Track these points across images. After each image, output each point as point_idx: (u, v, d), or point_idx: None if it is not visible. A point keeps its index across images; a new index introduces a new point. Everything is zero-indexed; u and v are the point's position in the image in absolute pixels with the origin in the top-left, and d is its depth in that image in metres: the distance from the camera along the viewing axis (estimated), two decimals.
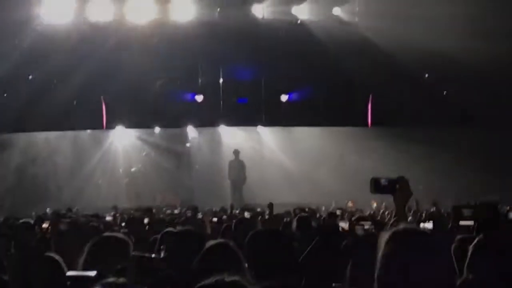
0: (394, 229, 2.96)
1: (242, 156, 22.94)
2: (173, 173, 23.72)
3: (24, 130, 21.43)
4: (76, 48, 19.24)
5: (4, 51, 18.46)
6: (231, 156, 22.99)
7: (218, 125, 23.20)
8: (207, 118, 21.99)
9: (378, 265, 2.88)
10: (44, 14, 19.15)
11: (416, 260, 2.81)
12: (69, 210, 15.13)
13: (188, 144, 24.81)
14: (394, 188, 4.18)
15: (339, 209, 13.42)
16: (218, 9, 20.07)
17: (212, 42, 19.85)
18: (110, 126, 21.67)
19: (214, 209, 16.24)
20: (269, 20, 20.43)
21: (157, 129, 23.86)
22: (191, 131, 24.36)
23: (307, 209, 12.02)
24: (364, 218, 9.50)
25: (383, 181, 4.21)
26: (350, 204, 19.55)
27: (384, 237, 2.92)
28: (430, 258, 2.82)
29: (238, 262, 3.99)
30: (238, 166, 22.83)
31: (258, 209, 14.64)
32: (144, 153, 23.73)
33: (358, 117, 21.61)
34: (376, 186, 4.22)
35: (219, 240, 4.56)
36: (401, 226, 2.99)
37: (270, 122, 22.66)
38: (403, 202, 4.20)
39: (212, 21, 19.97)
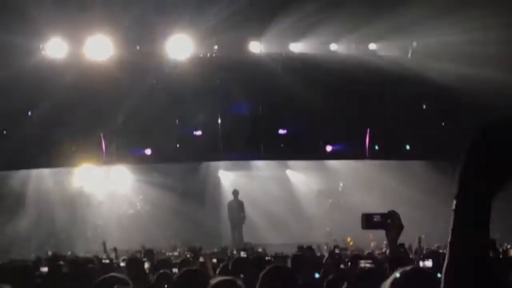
0: (393, 275, 2.99)
1: (240, 196, 23.08)
2: (173, 213, 23.69)
3: (24, 167, 21.41)
4: (74, 84, 19.32)
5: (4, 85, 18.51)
6: (230, 197, 23.13)
7: (216, 159, 23.13)
8: (206, 152, 21.95)
9: None
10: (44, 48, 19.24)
11: None
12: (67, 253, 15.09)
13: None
14: (386, 223, 4.22)
15: (336, 247, 13.39)
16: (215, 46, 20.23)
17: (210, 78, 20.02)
18: (109, 162, 21.64)
19: (214, 250, 16.23)
20: (266, 54, 20.56)
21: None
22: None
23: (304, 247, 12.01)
24: (362, 257, 9.52)
25: (374, 217, 4.25)
26: (349, 241, 19.56)
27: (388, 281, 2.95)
28: None
29: None
30: (237, 206, 22.90)
31: (259, 250, 14.64)
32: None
33: (356, 149, 21.55)
34: (368, 222, 4.25)
35: (226, 277, 4.57)
36: (400, 270, 3.00)
37: (268, 155, 22.63)
38: (395, 237, 4.23)
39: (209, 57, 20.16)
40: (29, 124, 19.74)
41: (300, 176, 25.23)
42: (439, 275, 2.06)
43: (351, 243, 19.20)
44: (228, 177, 24.70)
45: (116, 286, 4.50)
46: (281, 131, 21.99)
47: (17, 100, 18.83)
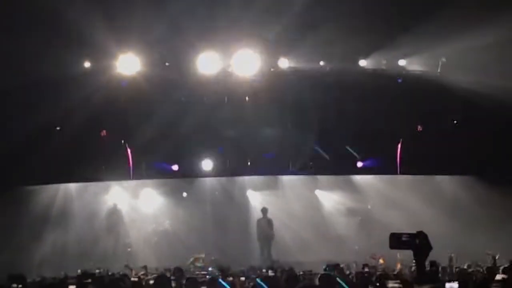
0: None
1: (269, 214, 23.05)
2: (202, 231, 23.69)
3: (53, 182, 21.57)
4: (104, 99, 19.47)
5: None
6: (259, 215, 23.10)
7: (245, 174, 23.05)
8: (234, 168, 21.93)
9: None
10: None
11: None
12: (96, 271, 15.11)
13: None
14: (414, 242, 4.16)
15: (366, 265, 13.25)
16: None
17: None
18: (137, 177, 21.65)
19: (243, 269, 16.15)
20: (294, 70, 20.49)
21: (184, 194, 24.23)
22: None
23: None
24: (390, 277, 9.41)
25: (403, 237, 4.19)
26: (381, 261, 19.35)
27: None
28: None
29: None
30: (266, 223, 22.87)
31: (287, 268, 14.54)
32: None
33: (387, 165, 21.37)
34: (396, 241, 4.20)
35: None
36: None
37: (298, 171, 22.41)
38: (423, 257, 4.17)
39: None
40: (58, 139, 19.82)
41: (329, 195, 25.10)
42: None
43: (382, 262, 18.99)
44: (257, 197, 24.60)
45: None
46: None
47: (46, 115, 18.98)
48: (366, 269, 12.32)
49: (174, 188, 24.15)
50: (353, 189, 24.21)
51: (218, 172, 22.48)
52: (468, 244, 19.49)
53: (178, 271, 12.84)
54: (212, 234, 23.64)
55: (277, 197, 24.44)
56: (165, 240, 23.11)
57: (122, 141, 20.39)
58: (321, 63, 20.32)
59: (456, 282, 7.35)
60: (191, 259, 20.44)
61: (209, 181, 24.29)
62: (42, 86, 18.67)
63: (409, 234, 4.20)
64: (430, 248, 4.19)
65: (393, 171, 21.44)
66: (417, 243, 4.16)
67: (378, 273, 11.60)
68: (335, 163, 21.44)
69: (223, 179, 24.03)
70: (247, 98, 20.61)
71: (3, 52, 16.58)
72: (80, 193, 23.02)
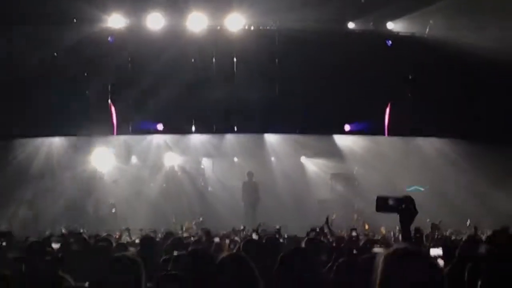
0: (389, 249, 3.04)
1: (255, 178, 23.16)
2: (188, 195, 23.78)
3: (37, 135, 21.38)
4: (91, 59, 19.28)
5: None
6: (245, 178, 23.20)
7: (230, 132, 22.64)
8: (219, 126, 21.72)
9: (375, 282, 2.95)
10: None
11: (408, 280, 2.88)
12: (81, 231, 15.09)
13: (202, 166, 25.16)
14: (400, 207, 4.15)
15: (354, 229, 13.29)
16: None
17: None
18: (120, 133, 21.47)
19: (227, 231, 16.19)
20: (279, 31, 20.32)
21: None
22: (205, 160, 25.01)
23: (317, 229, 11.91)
24: (375, 242, 9.45)
25: (389, 201, 4.19)
26: (366, 227, 19.48)
27: (381, 256, 2.98)
28: (421, 278, 2.88)
29: (251, 272, 4.00)
30: (251, 187, 22.99)
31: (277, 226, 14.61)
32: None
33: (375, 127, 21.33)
34: (382, 205, 4.20)
35: (233, 252, 4.54)
36: (395, 246, 3.09)
37: (288, 128, 22.34)
38: (408, 222, 4.17)
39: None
40: (42, 91, 19.50)
41: (315, 161, 25.25)
42: None
43: (367, 228, 19.12)
44: (242, 162, 24.65)
45: None
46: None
47: (34, 68, 18.77)
48: (354, 233, 12.36)
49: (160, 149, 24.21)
50: (339, 154, 24.33)
51: (203, 131, 22.42)
52: (451, 211, 19.68)
53: (169, 235, 12.79)
54: (198, 198, 23.76)
55: (264, 163, 24.55)
56: (148, 203, 23.08)
57: (108, 100, 20.15)
58: (310, 24, 20.18)
59: (440, 248, 7.36)
60: (181, 227, 20.48)
61: (194, 144, 24.33)
62: (28, 35, 18.46)
63: (395, 198, 4.18)
64: (415, 213, 4.18)
65: (380, 133, 21.42)
66: (403, 207, 4.14)
67: (362, 238, 11.65)
68: (322, 125, 21.34)
69: (209, 139, 24.03)
70: (235, 60, 20.44)
71: None
72: (64, 150, 22.84)
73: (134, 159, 24.48)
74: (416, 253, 3.02)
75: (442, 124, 20.51)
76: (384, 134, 21.35)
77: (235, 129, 21.30)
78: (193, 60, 20.17)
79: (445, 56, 19.49)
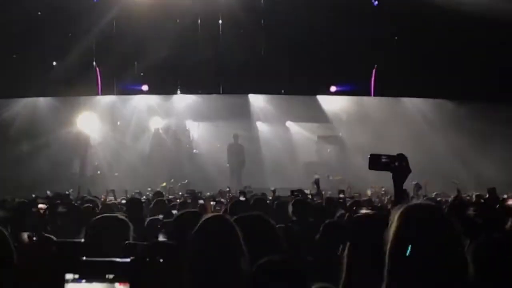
0: (405, 205, 3.01)
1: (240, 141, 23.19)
2: (173, 157, 23.76)
3: (23, 96, 21.13)
4: (76, 19, 18.97)
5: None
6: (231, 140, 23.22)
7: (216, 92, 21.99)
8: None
9: (390, 239, 2.93)
10: None
11: (426, 233, 2.88)
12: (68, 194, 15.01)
13: (187, 128, 25.14)
14: (394, 164, 4.12)
15: (342, 191, 13.31)
16: None
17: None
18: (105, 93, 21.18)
19: (212, 193, 16.20)
20: None
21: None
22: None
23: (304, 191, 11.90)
24: (361, 204, 9.46)
25: (382, 158, 4.16)
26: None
27: (396, 213, 2.96)
28: (440, 231, 2.89)
29: (235, 234, 3.94)
30: (237, 150, 23.00)
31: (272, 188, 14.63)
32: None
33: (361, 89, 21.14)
34: (375, 163, 4.16)
35: (216, 213, 4.50)
36: (410, 203, 3.06)
37: (273, 89, 22.05)
38: (402, 180, 4.14)
39: None
40: (27, 52, 19.17)
41: (301, 125, 25.30)
42: None
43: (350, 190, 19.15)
44: (229, 126, 24.62)
45: None
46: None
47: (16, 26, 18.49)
48: (341, 195, 12.37)
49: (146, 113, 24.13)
50: (324, 117, 24.33)
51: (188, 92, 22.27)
52: (436, 172, 19.78)
53: (158, 194, 12.78)
54: (183, 160, 23.75)
55: (249, 125, 24.57)
56: (132, 165, 22.97)
57: (93, 62, 19.87)
58: None
59: None
60: (162, 185, 20.42)
61: (179, 107, 24.23)
62: None
63: (388, 156, 4.14)
64: (409, 171, 4.14)
65: (366, 94, 21.36)
66: (396, 165, 4.10)
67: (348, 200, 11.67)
68: (308, 86, 21.20)
69: (194, 102, 23.91)
70: (220, 21, 20.17)
71: None
72: (48, 111, 22.64)
73: (118, 122, 24.35)
74: (433, 208, 3.03)
75: (429, 84, 20.40)
76: (370, 95, 21.27)
77: (221, 90, 21.02)
78: (177, 21, 19.86)
79: (431, 15, 19.31)
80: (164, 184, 19.68)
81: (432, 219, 2.94)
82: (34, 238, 5.25)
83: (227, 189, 16.74)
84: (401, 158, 4.11)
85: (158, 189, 15.41)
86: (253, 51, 20.22)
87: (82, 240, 4.78)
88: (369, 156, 4.17)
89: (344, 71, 20.30)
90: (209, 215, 4.15)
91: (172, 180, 20.59)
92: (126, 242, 4.38)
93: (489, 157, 20.81)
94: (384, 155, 4.14)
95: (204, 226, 3.92)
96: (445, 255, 2.82)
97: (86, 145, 23.34)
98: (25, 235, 5.46)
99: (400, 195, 4.16)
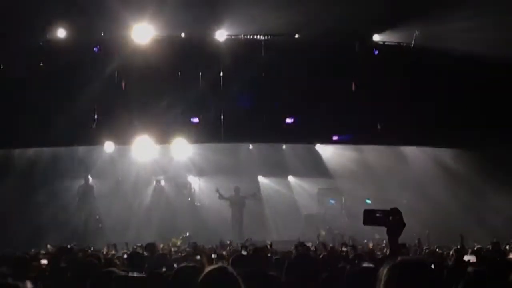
0: (393, 262, 3.07)
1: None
2: (175, 211, 23.75)
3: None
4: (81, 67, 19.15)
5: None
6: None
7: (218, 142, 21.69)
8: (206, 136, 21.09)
9: None
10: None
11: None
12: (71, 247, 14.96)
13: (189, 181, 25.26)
14: (388, 219, 4.19)
15: (344, 244, 13.32)
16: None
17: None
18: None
19: (215, 245, 16.17)
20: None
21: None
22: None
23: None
24: (363, 257, 9.46)
25: (376, 213, 4.23)
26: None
27: (385, 268, 3.01)
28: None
29: (236, 284, 4.01)
30: (239, 202, 23.03)
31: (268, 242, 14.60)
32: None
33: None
34: (369, 218, 4.23)
35: (217, 265, 4.53)
36: (399, 258, 3.11)
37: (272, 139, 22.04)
38: (396, 234, 4.20)
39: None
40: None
41: (301, 180, 25.43)
42: None
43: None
44: (229, 180, 24.69)
45: None
46: (288, 120, 20.71)
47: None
48: (344, 248, 12.38)
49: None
50: (325, 170, 24.40)
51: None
52: (438, 224, 19.73)
53: (151, 246, 12.78)
54: (185, 213, 23.71)
55: (250, 178, 24.67)
56: (135, 217, 22.91)
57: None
58: (296, 35, 20.22)
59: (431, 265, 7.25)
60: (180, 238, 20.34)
61: (179, 161, 24.34)
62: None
63: (382, 210, 4.22)
64: (403, 225, 4.22)
65: (368, 142, 21.37)
66: (390, 220, 4.18)
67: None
68: (311, 135, 21.20)
69: (195, 155, 24.02)
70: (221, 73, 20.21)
71: None
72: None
73: (119, 177, 24.39)
74: (420, 263, 3.07)
75: (430, 133, 20.40)
76: (371, 143, 21.32)
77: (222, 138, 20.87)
78: (179, 74, 20.00)
79: (431, 64, 19.52)
80: (181, 238, 19.79)
81: (419, 276, 2.98)
82: None
83: (228, 242, 16.71)
84: (395, 212, 4.19)
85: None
86: (255, 100, 20.34)
87: None
88: (363, 211, 4.25)
89: (346, 120, 20.28)
90: (213, 266, 4.21)
91: (187, 234, 20.55)
92: None
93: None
94: (378, 210, 4.22)
95: (208, 278, 3.99)
96: None
97: (92, 197, 23.40)
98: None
99: (395, 249, 4.23)
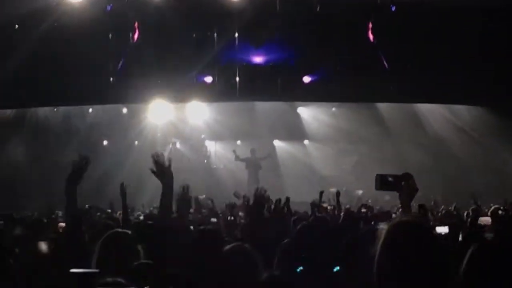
0: (393, 221, 3.03)
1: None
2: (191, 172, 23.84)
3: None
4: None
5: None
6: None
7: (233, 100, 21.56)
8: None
9: (377, 253, 2.95)
10: None
11: (411, 250, 2.88)
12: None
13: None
14: (400, 184, 4.17)
15: (364, 205, 13.33)
16: None
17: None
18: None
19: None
20: None
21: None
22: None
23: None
24: (379, 217, 9.45)
25: (389, 178, 4.21)
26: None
27: (384, 228, 2.98)
28: (425, 250, 2.89)
29: (254, 264, 4.02)
30: (254, 164, 23.16)
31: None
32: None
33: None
34: (382, 183, 4.22)
35: (236, 243, 4.49)
36: (398, 218, 3.08)
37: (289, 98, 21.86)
38: (409, 199, 4.19)
39: None
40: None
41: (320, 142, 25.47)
42: None
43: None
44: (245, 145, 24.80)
45: None
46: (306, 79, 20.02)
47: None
48: (363, 210, 12.38)
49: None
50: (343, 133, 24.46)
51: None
52: (453, 185, 19.67)
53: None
54: (200, 175, 23.83)
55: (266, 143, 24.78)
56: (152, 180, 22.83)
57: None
58: None
59: (446, 227, 7.18)
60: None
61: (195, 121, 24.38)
62: None
63: (394, 175, 4.21)
64: (415, 190, 4.20)
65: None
66: (403, 184, 4.17)
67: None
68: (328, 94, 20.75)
69: (210, 119, 24.05)
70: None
71: None
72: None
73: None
74: (420, 225, 3.01)
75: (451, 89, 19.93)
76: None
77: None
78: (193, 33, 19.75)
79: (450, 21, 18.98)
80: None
81: (417, 236, 2.94)
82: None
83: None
84: (408, 177, 4.17)
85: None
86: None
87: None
88: (375, 176, 4.24)
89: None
90: (228, 247, 4.19)
91: (204, 196, 20.62)
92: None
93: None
94: (390, 175, 4.20)
95: (225, 260, 4.00)
96: (428, 272, 2.86)
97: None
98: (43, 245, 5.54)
99: (408, 214, 4.21)
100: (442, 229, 6.92)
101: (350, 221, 9.03)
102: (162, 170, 5.55)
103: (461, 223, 9.07)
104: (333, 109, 24.51)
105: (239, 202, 14.85)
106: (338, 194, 12.14)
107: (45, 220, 9.40)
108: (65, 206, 5.70)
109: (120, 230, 5.18)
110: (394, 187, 4.19)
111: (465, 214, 11.51)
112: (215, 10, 19.04)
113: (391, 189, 4.22)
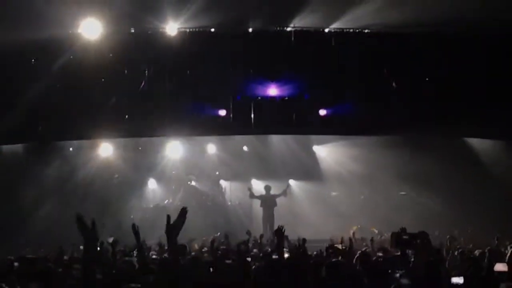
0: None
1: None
2: (207, 211, 23.89)
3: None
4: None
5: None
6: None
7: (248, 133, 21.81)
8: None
9: None
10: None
11: None
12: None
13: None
14: (415, 242, 4.21)
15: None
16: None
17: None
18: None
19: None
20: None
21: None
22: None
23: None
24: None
25: (403, 236, 4.25)
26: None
27: None
28: None
29: None
30: (269, 201, 23.13)
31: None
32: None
33: None
34: (397, 242, 4.26)
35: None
36: None
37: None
38: (423, 258, 4.21)
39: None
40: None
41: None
42: None
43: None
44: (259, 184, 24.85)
45: None
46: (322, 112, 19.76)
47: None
48: (380, 253, 12.22)
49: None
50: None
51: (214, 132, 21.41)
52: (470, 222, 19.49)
53: (182, 248, 12.78)
54: (217, 213, 23.83)
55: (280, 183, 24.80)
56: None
57: None
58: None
59: (462, 278, 6.93)
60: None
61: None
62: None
63: (410, 234, 4.25)
64: (430, 248, 4.24)
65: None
66: (418, 243, 4.21)
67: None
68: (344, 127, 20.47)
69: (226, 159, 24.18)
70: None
71: None
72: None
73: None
74: None
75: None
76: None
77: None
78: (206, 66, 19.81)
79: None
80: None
81: None
82: None
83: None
84: (423, 236, 4.21)
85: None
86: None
87: None
88: (390, 234, 4.28)
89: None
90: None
91: (218, 234, 20.61)
92: None
93: None
94: (406, 233, 4.24)
95: None
96: None
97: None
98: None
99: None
100: (458, 280, 6.80)
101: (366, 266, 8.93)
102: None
103: (478, 270, 8.87)
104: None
105: (251, 240, 14.94)
106: (351, 239, 11.99)
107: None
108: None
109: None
110: (409, 246, 4.23)
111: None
112: (230, 45, 19.25)
113: (406, 246, 4.25)
